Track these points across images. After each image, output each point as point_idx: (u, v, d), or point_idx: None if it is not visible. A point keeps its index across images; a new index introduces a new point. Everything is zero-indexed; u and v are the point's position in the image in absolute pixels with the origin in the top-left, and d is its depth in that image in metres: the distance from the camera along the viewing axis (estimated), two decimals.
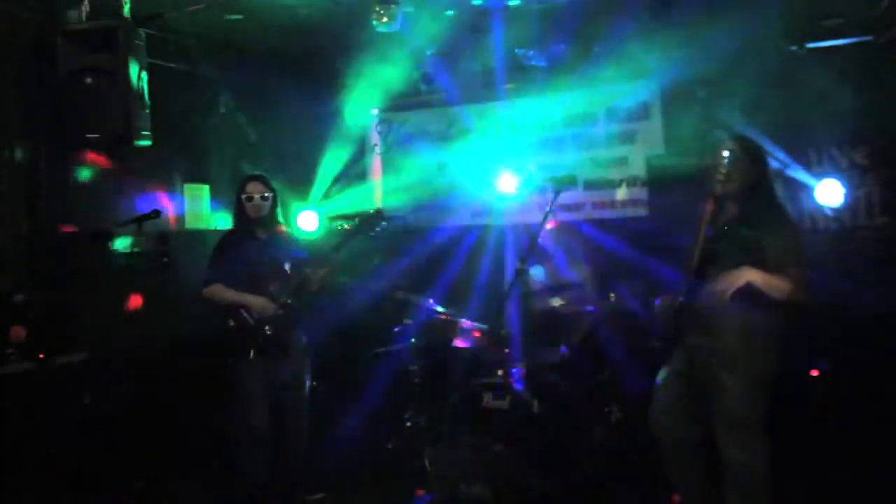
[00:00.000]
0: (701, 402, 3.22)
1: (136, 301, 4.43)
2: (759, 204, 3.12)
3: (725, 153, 3.13)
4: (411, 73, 5.84)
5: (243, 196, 4.08)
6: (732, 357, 3.11)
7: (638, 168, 5.63)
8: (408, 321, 4.80)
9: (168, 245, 5.07)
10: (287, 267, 4.06)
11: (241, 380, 3.93)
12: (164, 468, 4.36)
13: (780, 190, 3.54)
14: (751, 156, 3.16)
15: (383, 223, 4.13)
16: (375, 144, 6.66)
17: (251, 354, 3.90)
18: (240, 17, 5.02)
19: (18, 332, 3.89)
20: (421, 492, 4.05)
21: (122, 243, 4.69)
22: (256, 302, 3.93)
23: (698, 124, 4.91)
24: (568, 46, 5.34)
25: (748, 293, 2.99)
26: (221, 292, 3.98)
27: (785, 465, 4.04)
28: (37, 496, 3.75)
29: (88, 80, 3.97)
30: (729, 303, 3.00)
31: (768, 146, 3.70)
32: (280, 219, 4.27)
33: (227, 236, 4.22)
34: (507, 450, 3.86)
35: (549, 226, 4.59)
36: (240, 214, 4.13)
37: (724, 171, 3.12)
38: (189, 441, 4.62)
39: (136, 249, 4.66)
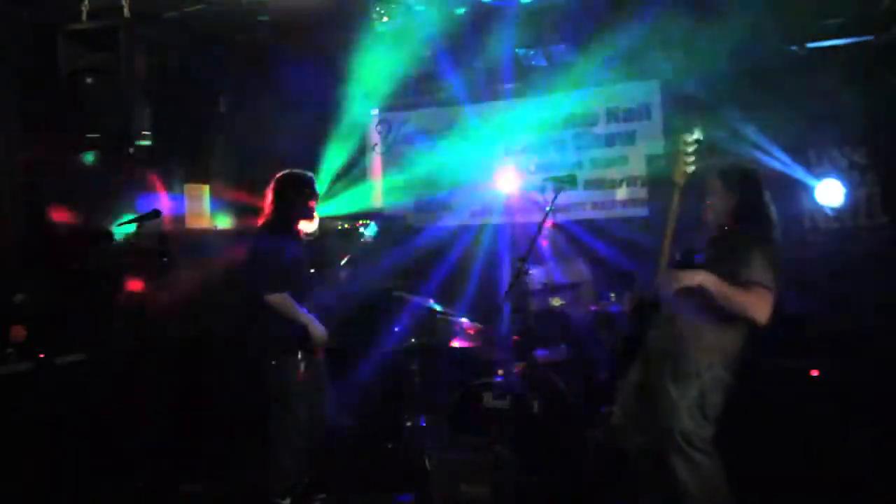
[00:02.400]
0: (653, 410, 3.16)
1: (135, 301, 4.44)
2: (740, 229, 3.12)
3: (710, 186, 3.21)
4: (412, 72, 5.83)
5: (315, 195, 3.98)
6: (679, 366, 3.09)
7: (638, 168, 5.64)
8: (407, 321, 4.80)
9: (168, 245, 5.06)
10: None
11: (288, 380, 3.83)
12: (165, 468, 4.36)
13: (778, 193, 3.53)
14: (727, 186, 3.19)
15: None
16: (375, 144, 6.66)
17: (300, 355, 3.83)
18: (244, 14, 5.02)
19: (18, 332, 3.89)
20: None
21: (121, 243, 4.69)
22: (317, 333, 3.84)
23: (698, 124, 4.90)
24: (568, 46, 5.35)
25: (705, 306, 2.99)
26: (289, 304, 3.77)
27: (785, 464, 4.05)
28: (37, 496, 3.75)
29: (88, 80, 3.96)
30: (684, 306, 3.03)
31: (765, 157, 3.71)
32: None
33: (277, 237, 3.89)
34: (507, 450, 3.86)
35: (548, 225, 4.59)
36: (300, 215, 3.96)
37: (707, 202, 3.21)
38: (189, 441, 4.63)
39: (136, 249, 4.65)
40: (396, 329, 4.90)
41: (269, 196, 3.92)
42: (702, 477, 3.05)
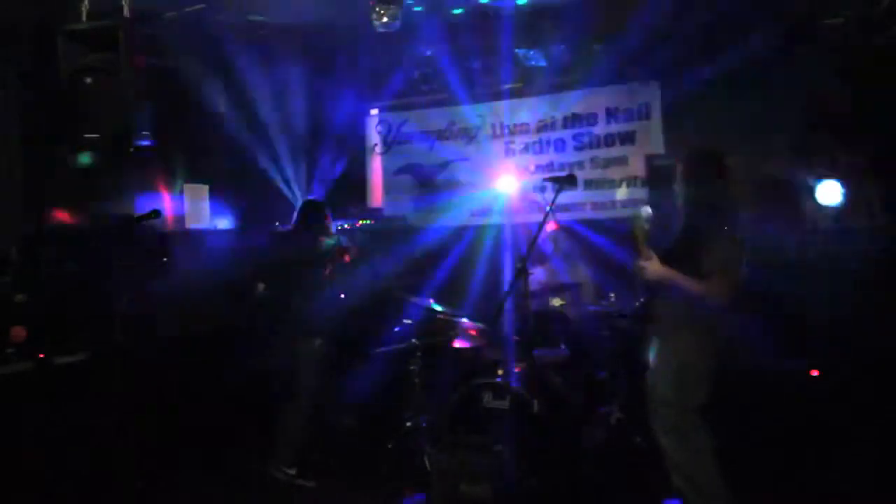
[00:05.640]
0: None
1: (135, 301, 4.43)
2: (703, 214, 3.21)
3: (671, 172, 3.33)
4: (411, 72, 5.84)
5: (328, 217, 4.74)
6: (664, 340, 3.27)
7: (638, 168, 5.64)
8: (407, 321, 4.80)
9: (168, 245, 5.06)
10: None
11: (307, 357, 4.41)
12: (165, 467, 4.36)
13: (778, 193, 3.57)
14: (688, 172, 3.29)
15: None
16: (375, 144, 6.66)
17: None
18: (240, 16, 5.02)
19: (18, 332, 3.89)
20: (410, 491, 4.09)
21: (122, 243, 4.69)
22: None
23: (698, 124, 4.92)
24: (568, 46, 5.35)
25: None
26: None
27: (784, 464, 4.05)
28: (37, 496, 3.75)
29: (88, 80, 3.96)
30: (664, 294, 3.22)
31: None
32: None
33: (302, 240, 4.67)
34: (507, 450, 3.86)
35: (549, 226, 4.59)
36: (318, 232, 4.64)
37: (671, 188, 3.34)
38: (190, 441, 4.63)
39: (136, 249, 4.65)
40: (397, 330, 4.90)
41: (295, 215, 4.83)
42: (689, 450, 3.13)
